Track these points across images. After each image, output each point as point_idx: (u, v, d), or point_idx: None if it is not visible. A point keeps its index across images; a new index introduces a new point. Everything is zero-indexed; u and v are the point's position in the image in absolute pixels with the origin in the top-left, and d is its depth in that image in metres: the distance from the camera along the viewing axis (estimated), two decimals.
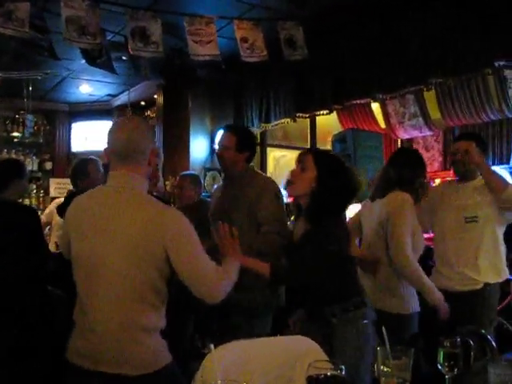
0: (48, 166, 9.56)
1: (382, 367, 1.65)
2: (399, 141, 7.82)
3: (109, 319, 2.11)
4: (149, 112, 9.17)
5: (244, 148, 3.56)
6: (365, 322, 2.61)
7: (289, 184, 2.75)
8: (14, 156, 9.12)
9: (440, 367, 1.82)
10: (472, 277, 3.58)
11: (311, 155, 2.74)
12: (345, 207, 2.76)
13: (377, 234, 3.33)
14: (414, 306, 3.28)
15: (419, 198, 3.37)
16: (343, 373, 1.49)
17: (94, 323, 2.13)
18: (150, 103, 8.82)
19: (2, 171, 4.08)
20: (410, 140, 7.83)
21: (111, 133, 2.29)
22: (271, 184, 3.65)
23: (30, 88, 7.69)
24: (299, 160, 2.78)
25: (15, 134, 9.20)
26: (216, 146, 7.25)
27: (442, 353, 1.82)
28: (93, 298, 2.15)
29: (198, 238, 2.20)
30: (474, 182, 3.68)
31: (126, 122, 2.38)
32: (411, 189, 3.32)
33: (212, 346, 1.45)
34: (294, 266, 2.62)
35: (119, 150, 2.23)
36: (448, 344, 1.82)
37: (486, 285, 3.60)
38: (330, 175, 2.65)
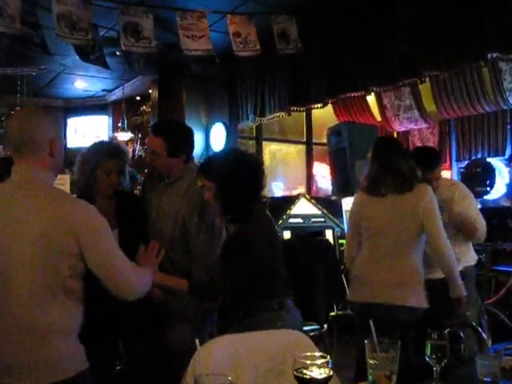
0: None
1: (369, 360, 1.66)
2: (395, 133, 7.83)
3: (18, 322, 1.95)
4: (144, 107, 9.19)
5: (177, 152, 3.04)
6: (281, 324, 2.54)
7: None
8: (8, 153, 9.13)
9: (428, 359, 1.83)
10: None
11: (201, 174, 2.70)
12: (256, 194, 2.68)
13: (404, 228, 3.24)
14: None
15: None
16: (330, 365, 1.50)
17: (3, 328, 1.96)
18: (145, 98, 8.83)
19: None
20: (406, 132, 7.85)
21: (7, 123, 2.18)
22: None
23: (25, 84, 7.68)
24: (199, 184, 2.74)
25: None
26: (215, 148, 7.01)
27: (429, 345, 1.83)
28: (1, 302, 1.98)
29: (111, 233, 2.14)
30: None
31: (20, 111, 2.22)
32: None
33: (197, 340, 1.47)
34: (213, 281, 2.59)
35: (13, 141, 2.11)
36: (435, 336, 1.84)
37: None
38: (223, 182, 2.60)
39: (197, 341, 1.46)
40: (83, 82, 8.59)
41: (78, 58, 5.77)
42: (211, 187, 2.62)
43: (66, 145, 2.37)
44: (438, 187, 3.77)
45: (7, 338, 1.94)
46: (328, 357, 1.50)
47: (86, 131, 9.72)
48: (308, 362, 1.50)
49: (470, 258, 3.98)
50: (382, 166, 3.34)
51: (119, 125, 8.66)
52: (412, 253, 3.24)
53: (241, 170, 2.61)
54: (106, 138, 9.68)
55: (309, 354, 1.55)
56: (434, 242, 3.22)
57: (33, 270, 1.96)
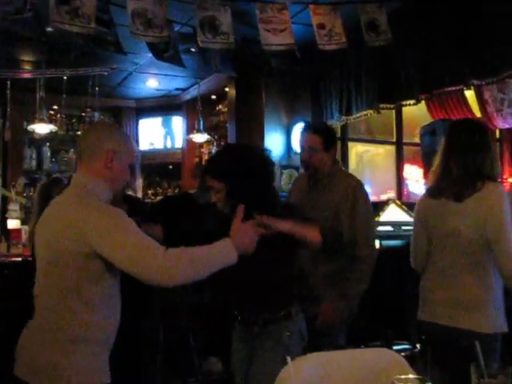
0: None
1: None
2: (497, 131, 7.62)
3: (39, 328, 2.29)
4: (220, 106, 9.28)
5: (330, 146, 3.75)
6: (288, 333, 2.70)
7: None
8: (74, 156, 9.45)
9: None
10: None
11: (209, 174, 2.85)
12: (267, 188, 2.84)
13: (473, 238, 3.04)
14: (501, 324, 3.04)
15: None
16: None
17: (32, 331, 2.32)
18: (222, 97, 8.94)
19: None
20: (510, 130, 7.61)
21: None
22: (360, 185, 3.76)
23: (97, 85, 7.94)
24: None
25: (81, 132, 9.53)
26: (297, 148, 7.38)
27: None
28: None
29: (131, 225, 2.24)
30: None
31: (88, 125, 2.71)
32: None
33: (288, 358, 1.50)
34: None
35: (77, 150, 2.57)
36: None
37: None
38: (234, 180, 2.73)
39: (288, 358, 1.49)
40: (155, 81, 8.81)
41: (150, 55, 5.93)
42: (221, 188, 2.77)
43: (134, 158, 2.70)
44: None
45: (33, 339, 2.29)
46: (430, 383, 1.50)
47: (158, 133, 9.97)
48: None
49: None
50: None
51: (195, 126, 8.72)
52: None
53: (249, 166, 2.77)
54: (179, 140, 9.87)
55: (410, 376, 1.54)
56: (500, 257, 2.96)
57: (46, 272, 2.30)
